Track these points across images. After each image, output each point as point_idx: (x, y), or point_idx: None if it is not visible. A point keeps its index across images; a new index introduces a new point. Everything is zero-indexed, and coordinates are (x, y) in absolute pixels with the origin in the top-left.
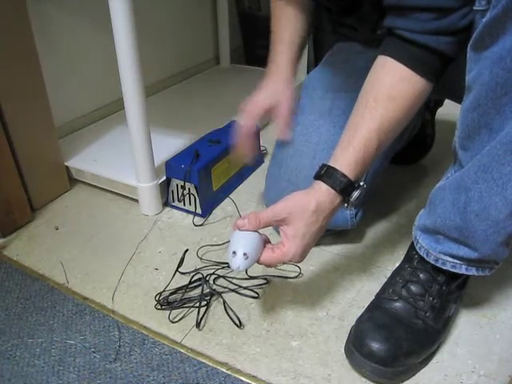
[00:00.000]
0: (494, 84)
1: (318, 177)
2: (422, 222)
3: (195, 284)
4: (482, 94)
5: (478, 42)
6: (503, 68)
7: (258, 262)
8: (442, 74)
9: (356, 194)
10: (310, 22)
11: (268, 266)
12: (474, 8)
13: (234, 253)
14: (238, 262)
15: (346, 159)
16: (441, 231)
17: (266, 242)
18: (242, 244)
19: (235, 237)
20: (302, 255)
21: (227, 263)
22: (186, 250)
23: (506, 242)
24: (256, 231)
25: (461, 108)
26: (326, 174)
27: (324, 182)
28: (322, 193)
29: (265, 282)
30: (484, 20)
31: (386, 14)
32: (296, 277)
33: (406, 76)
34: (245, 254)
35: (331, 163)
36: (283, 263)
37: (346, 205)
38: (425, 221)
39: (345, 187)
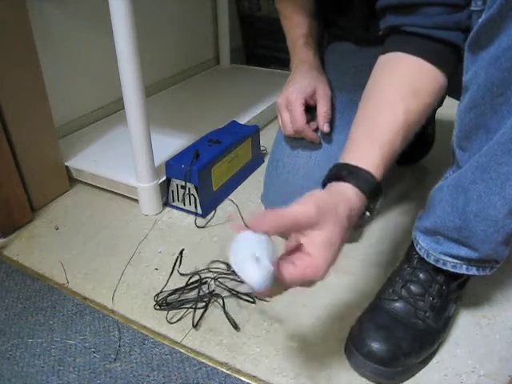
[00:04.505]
0: (489, 84)
1: (339, 178)
2: (422, 223)
3: (195, 285)
4: (479, 94)
5: (474, 43)
6: (499, 68)
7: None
8: (457, 67)
9: (381, 200)
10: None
11: (289, 285)
12: (471, 8)
13: (258, 259)
14: (262, 276)
15: (372, 158)
16: (440, 232)
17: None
18: (261, 249)
19: (245, 241)
20: (328, 269)
21: (227, 263)
22: (182, 250)
23: (505, 241)
24: (267, 235)
25: (458, 108)
26: (350, 174)
27: (350, 183)
28: (351, 196)
29: None
30: (480, 20)
31: (384, 14)
32: None
33: (426, 69)
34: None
35: (353, 162)
36: (308, 282)
37: (368, 213)
38: (424, 222)
39: (374, 190)
